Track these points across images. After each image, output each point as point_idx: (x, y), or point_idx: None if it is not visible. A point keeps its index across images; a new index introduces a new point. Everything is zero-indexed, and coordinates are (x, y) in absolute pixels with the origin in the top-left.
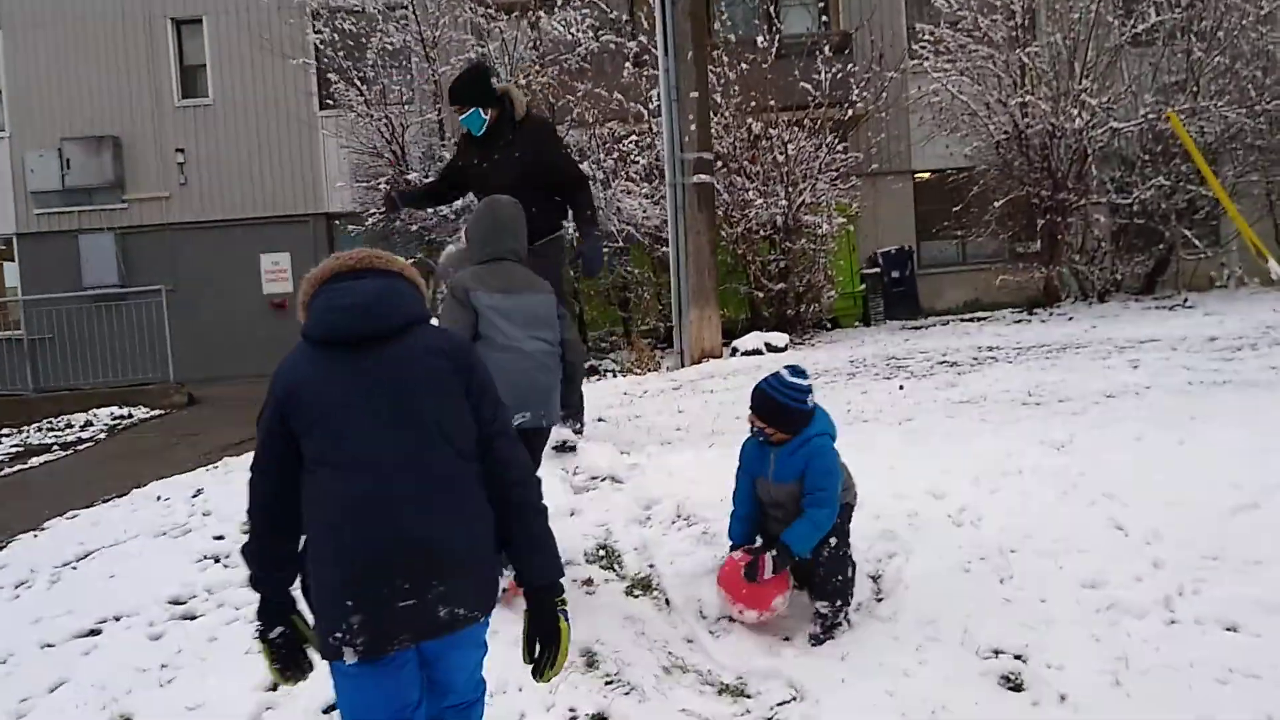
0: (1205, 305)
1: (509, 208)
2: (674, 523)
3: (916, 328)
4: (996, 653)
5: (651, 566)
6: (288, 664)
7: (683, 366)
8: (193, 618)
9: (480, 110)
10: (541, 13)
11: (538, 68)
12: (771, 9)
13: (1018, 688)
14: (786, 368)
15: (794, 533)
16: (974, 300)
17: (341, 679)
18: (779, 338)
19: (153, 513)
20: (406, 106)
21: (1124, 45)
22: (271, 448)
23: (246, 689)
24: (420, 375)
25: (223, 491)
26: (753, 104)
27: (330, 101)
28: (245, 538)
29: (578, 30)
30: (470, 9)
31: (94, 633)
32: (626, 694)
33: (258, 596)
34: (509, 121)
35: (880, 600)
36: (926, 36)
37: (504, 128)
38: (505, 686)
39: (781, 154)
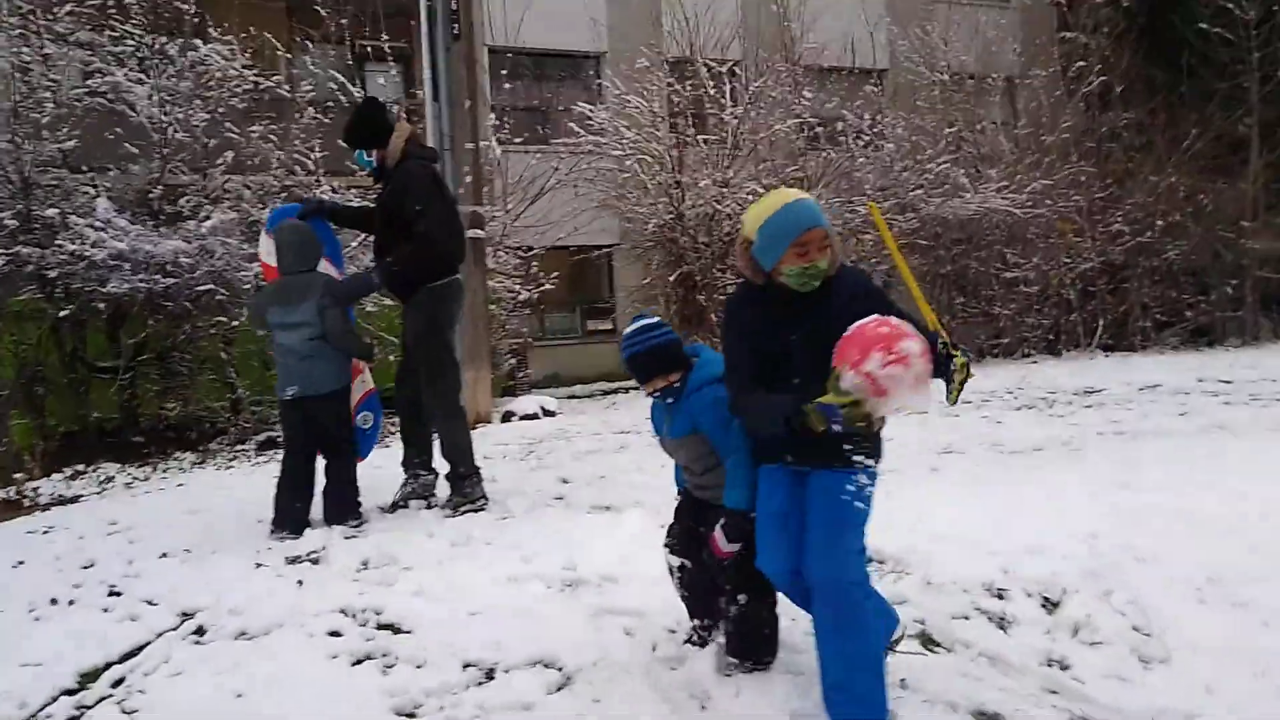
0: None
1: (283, 232)
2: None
3: (573, 396)
4: None
5: None
6: None
7: None
8: None
9: (363, 152)
10: (198, 40)
11: (198, 100)
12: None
13: None
14: (634, 319)
15: (726, 494)
16: (554, 374)
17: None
18: (550, 401)
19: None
20: None
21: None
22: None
23: None
24: None
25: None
26: None
27: None
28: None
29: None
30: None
31: None
32: None
33: None
34: (384, 165)
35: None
36: (590, 117)
37: (385, 170)
38: None
39: None
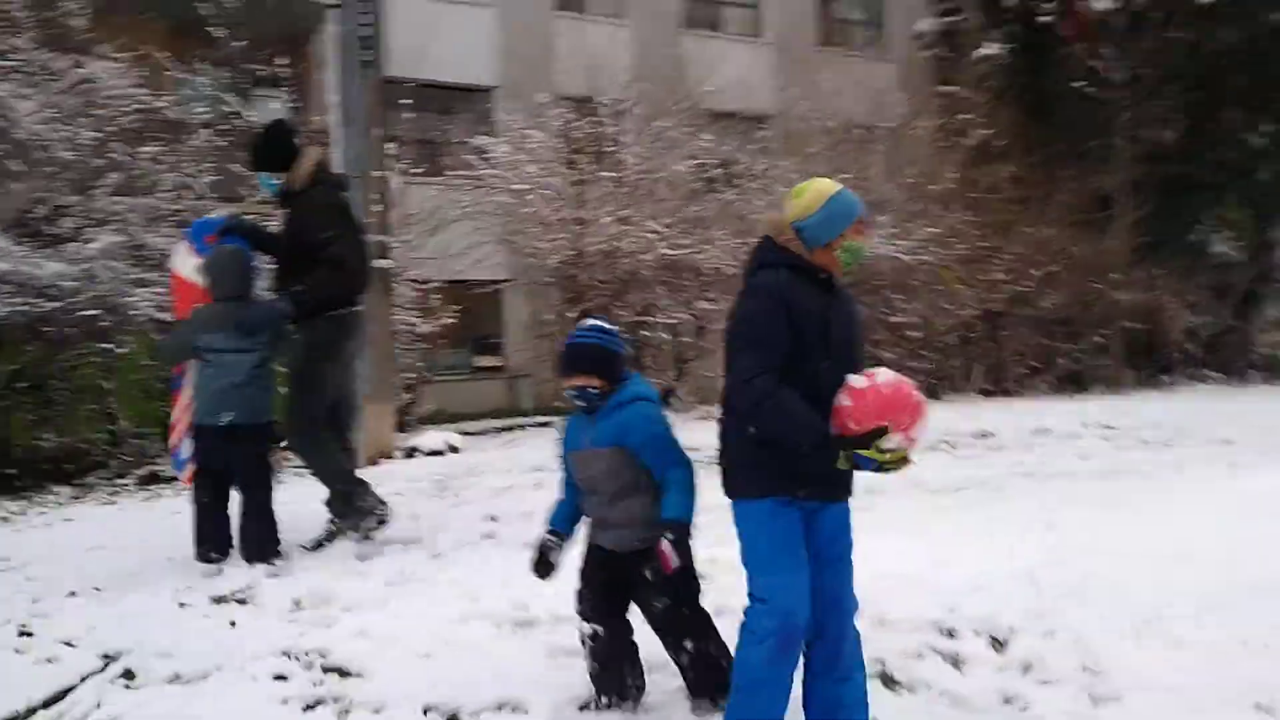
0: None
1: (222, 257)
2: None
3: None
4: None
5: None
6: None
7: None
8: None
9: (269, 176)
10: (85, 57)
11: (84, 119)
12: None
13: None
14: (589, 319)
15: (671, 504)
16: (439, 410)
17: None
18: (455, 437)
19: None
20: None
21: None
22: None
23: None
24: None
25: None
26: None
27: None
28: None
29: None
30: None
31: None
32: None
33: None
34: (290, 190)
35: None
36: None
37: (291, 195)
38: None
39: None
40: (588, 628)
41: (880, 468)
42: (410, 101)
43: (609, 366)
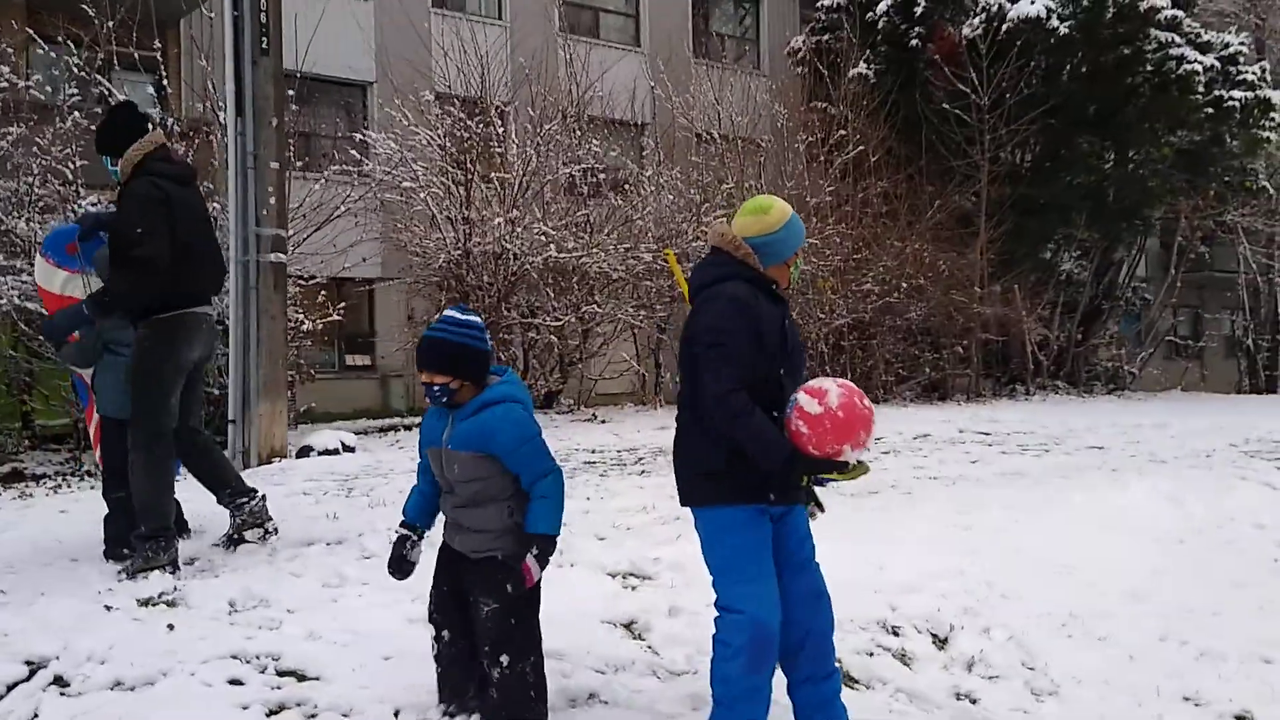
0: (615, 418)
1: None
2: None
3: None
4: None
5: None
6: None
7: (246, 467)
8: None
9: (109, 160)
10: None
11: None
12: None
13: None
14: (451, 308)
15: (539, 518)
16: (309, 408)
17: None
18: (349, 436)
19: None
20: None
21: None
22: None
23: None
24: None
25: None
26: None
27: None
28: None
29: None
30: None
31: None
32: None
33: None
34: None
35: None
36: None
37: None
38: None
39: None
40: (433, 630)
41: (842, 480)
42: (292, 94)
43: (465, 365)
